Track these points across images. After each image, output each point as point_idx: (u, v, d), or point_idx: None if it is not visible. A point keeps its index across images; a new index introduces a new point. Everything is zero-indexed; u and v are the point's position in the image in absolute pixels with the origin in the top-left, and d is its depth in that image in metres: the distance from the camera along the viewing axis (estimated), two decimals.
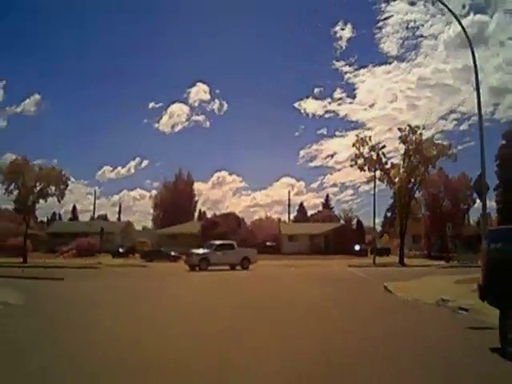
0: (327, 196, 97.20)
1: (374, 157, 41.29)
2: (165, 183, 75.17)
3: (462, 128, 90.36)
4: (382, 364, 5.84)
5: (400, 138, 40.65)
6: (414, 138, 40.13)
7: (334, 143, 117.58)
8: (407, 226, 40.82)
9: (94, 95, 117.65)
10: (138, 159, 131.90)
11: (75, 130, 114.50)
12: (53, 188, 40.26)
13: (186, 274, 26.23)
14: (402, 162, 41.11)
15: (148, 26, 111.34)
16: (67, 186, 41.44)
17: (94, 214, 66.35)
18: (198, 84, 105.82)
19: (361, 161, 41.45)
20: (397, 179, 40.63)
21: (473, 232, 44.83)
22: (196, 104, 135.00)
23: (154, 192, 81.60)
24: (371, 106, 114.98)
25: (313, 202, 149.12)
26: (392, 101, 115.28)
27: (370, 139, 41.42)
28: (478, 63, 15.57)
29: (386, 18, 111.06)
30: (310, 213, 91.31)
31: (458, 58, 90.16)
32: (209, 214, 76.01)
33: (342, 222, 76.40)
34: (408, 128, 40.69)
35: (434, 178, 48.95)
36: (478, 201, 46.43)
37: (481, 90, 15.64)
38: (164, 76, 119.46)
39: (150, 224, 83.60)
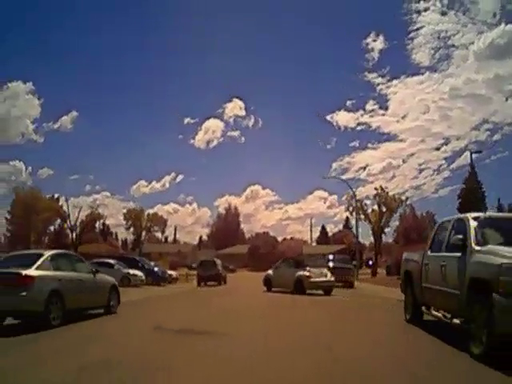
0: (347, 217, 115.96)
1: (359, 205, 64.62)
2: (218, 215, 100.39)
3: (495, 138, 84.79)
4: None
5: (375, 195, 63.55)
6: (383, 195, 63.12)
7: (366, 155, 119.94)
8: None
9: (129, 111, 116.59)
10: (173, 174, 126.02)
11: (111, 146, 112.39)
12: (156, 227, 65.36)
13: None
14: (377, 208, 64.23)
15: (183, 43, 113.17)
16: (166, 225, 66.29)
17: (175, 238, 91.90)
18: (235, 100, 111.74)
19: (350, 208, 64.86)
20: (373, 220, 63.62)
21: None
22: (231, 120, 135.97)
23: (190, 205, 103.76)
24: (403, 117, 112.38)
25: (345, 215, 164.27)
26: (424, 112, 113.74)
27: (354, 195, 64.57)
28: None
29: (417, 29, 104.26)
30: (337, 228, 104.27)
31: (490, 68, 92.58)
32: (244, 228, 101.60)
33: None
34: (380, 189, 63.80)
35: (408, 215, 71.50)
36: None
37: None
38: (199, 92, 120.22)
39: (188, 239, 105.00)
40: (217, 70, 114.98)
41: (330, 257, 30.11)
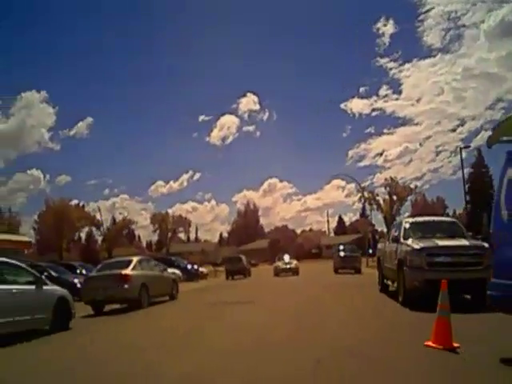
0: (364, 206, 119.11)
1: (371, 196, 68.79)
2: (238, 212, 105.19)
3: None
4: None
5: (385, 186, 67.59)
6: (393, 184, 67.20)
7: (382, 141, 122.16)
8: None
9: (144, 113, 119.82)
10: (190, 172, 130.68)
11: (127, 149, 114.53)
12: (180, 228, 70.44)
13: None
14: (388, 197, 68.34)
15: (195, 41, 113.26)
16: (190, 226, 71.24)
17: (196, 237, 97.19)
18: (248, 94, 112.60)
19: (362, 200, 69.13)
20: (384, 209, 67.75)
21: None
22: (246, 115, 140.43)
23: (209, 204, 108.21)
24: (418, 100, 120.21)
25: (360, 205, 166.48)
26: (439, 94, 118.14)
27: (362, 188, 68.75)
28: None
29: (427, 11, 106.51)
30: (356, 217, 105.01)
31: (502, 46, 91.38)
32: (263, 222, 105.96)
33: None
34: (390, 179, 67.80)
35: (419, 202, 75.42)
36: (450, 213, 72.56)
37: None
38: (213, 89, 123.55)
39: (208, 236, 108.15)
40: (229, 66, 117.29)
41: (341, 247, 34.23)
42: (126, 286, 13.11)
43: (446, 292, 5.99)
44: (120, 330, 10.17)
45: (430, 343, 5.83)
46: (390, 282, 12.67)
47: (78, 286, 16.15)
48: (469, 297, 10.18)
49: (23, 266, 10.41)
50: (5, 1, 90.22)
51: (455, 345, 5.62)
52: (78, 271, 22.22)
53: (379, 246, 14.93)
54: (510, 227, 4.99)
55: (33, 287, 9.56)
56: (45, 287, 9.99)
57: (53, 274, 18.22)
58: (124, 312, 13.14)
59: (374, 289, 14.44)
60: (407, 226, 11.64)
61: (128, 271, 13.46)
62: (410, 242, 10.47)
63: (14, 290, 8.87)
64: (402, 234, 11.28)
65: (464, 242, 9.89)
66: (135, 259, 14.44)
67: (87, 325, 11.26)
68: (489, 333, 6.73)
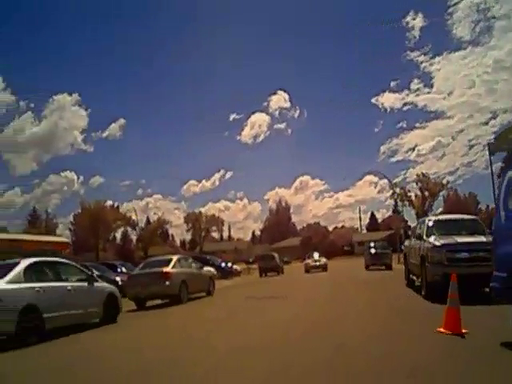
0: (396, 202, 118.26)
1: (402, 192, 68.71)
2: (270, 210, 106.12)
3: None
4: None
5: (417, 182, 67.41)
6: (424, 180, 66.97)
7: (414, 136, 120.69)
8: None
9: (175, 113, 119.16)
10: (222, 171, 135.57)
11: (159, 149, 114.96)
12: (214, 228, 71.88)
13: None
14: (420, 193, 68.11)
15: (225, 40, 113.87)
16: (223, 225, 72.59)
17: (229, 235, 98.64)
18: (279, 92, 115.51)
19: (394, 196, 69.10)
20: (416, 205, 67.56)
21: None
22: (276, 113, 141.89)
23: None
24: (449, 93, 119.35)
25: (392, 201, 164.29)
26: (470, 87, 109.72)
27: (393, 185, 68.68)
28: None
29: (455, 3, 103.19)
30: (388, 213, 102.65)
31: None
32: (295, 219, 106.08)
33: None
34: (421, 175, 67.55)
35: (451, 197, 74.73)
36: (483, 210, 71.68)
37: None
38: (243, 88, 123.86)
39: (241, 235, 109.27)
40: (259, 65, 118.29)
41: (371, 244, 34.76)
42: (167, 282, 14.17)
43: (455, 284, 6.70)
44: (165, 321, 11.36)
45: (441, 329, 6.56)
46: (414, 277, 13.31)
47: (120, 283, 17.33)
48: (487, 290, 10.76)
49: (77, 265, 11.62)
50: (36, 5, 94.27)
51: (463, 331, 6.33)
52: (119, 270, 23.56)
53: (406, 243, 15.55)
54: (507, 226, 5.69)
55: (85, 284, 10.53)
56: (96, 284, 10.98)
57: (96, 272, 19.48)
58: (165, 307, 14.21)
59: (401, 284, 15.03)
60: (430, 224, 12.28)
61: (169, 269, 14.53)
62: (431, 239, 11.11)
63: (69, 287, 9.84)
64: (424, 231, 11.93)
65: (482, 239, 10.46)
66: (175, 258, 15.55)
67: (133, 318, 12.39)
68: (496, 321, 7.37)
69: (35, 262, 9.47)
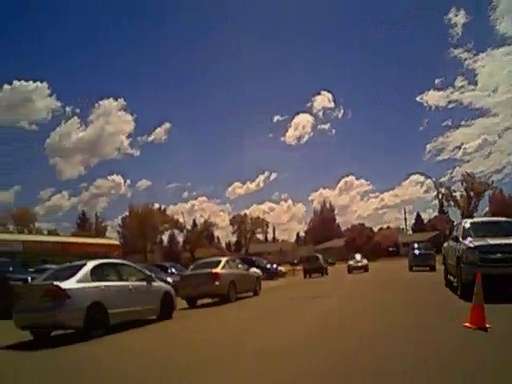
0: (441, 203, 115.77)
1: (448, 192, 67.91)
2: (314, 211, 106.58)
3: None
4: None
5: (462, 181, 66.58)
6: (470, 180, 65.98)
7: (460, 134, 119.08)
8: None
9: (220, 116, 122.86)
10: (266, 173, 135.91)
11: (204, 152, 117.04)
12: (259, 229, 72.87)
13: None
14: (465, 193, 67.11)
15: (268, 42, 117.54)
16: (268, 227, 73.60)
17: (274, 237, 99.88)
18: (323, 92, 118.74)
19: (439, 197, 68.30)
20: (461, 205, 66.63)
21: None
22: (320, 113, 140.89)
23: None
24: (494, 90, 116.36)
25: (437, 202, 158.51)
26: None
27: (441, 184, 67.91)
28: None
29: None
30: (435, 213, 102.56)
31: None
32: (339, 220, 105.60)
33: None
34: (466, 175, 66.61)
35: (496, 197, 73.20)
36: None
37: None
38: (287, 88, 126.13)
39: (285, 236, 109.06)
40: (302, 65, 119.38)
41: (415, 245, 34.73)
42: (216, 283, 15.27)
43: (479, 283, 7.40)
44: (216, 318, 12.42)
45: (467, 324, 7.25)
46: (451, 277, 13.81)
47: (172, 283, 18.51)
48: None
49: (136, 266, 12.81)
50: (82, 13, 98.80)
51: (487, 325, 7.00)
52: (169, 271, 24.92)
53: (444, 244, 15.99)
54: None
55: (144, 283, 11.57)
56: (153, 283, 12.01)
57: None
58: (215, 306, 15.30)
59: (440, 284, 15.50)
60: (466, 226, 12.79)
61: (218, 270, 15.63)
62: (466, 241, 11.65)
63: (130, 286, 10.94)
64: (460, 233, 12.46)
65: None
66: (224, 259, 16.67)
67: (186, 315, 13.50)
68: None
69: (100, 264, 10.63)
